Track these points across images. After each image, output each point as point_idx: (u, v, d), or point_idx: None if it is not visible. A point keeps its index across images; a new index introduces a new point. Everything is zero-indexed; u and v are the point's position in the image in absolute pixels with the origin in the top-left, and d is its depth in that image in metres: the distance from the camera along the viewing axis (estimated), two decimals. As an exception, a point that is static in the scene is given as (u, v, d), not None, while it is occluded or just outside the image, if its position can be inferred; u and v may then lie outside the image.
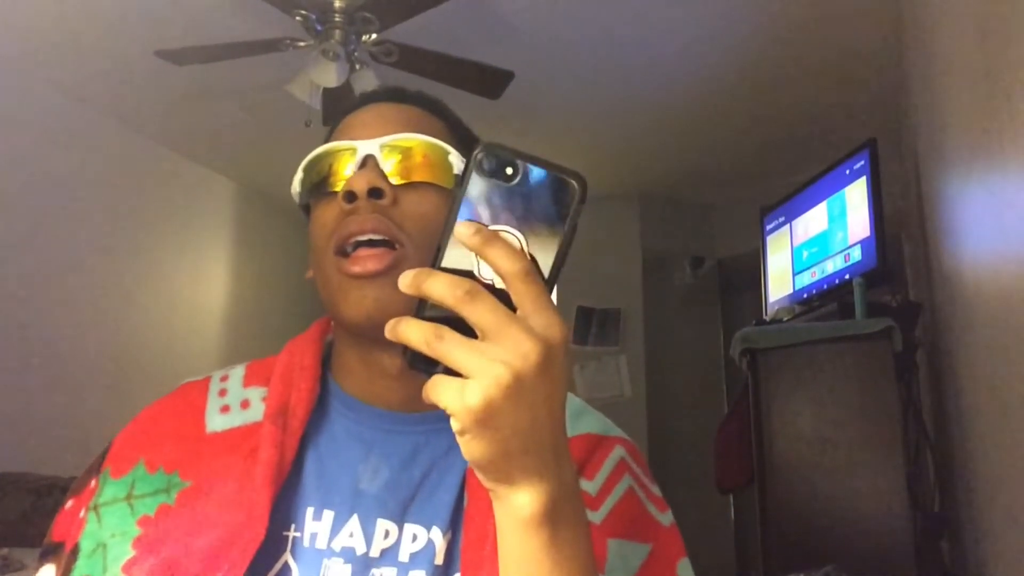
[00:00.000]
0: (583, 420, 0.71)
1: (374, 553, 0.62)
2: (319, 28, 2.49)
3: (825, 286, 2.17)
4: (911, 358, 1.83)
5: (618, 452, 0.69)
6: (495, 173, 0.44)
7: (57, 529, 0.67)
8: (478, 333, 0.41)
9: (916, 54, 1.99)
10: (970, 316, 1.31)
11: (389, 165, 0.66)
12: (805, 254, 2.36)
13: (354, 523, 0.63)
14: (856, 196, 2.10)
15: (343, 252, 0.64)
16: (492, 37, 2.85)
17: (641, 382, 4.23)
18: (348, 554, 0.62)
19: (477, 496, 0.62)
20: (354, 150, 0.67)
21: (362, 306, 0.63)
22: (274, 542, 0.61)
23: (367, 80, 2.59)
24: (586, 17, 2.74)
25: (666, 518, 0.68)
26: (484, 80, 2.69)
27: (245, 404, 0.69)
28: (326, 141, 0.71)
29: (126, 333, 3.65)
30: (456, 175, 0.68)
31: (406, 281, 0.42)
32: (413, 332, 0.42)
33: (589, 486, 0.65)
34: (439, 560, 0.62)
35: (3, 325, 3.03)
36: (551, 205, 0.44)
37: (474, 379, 0.40)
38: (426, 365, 0.43)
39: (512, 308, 0.42)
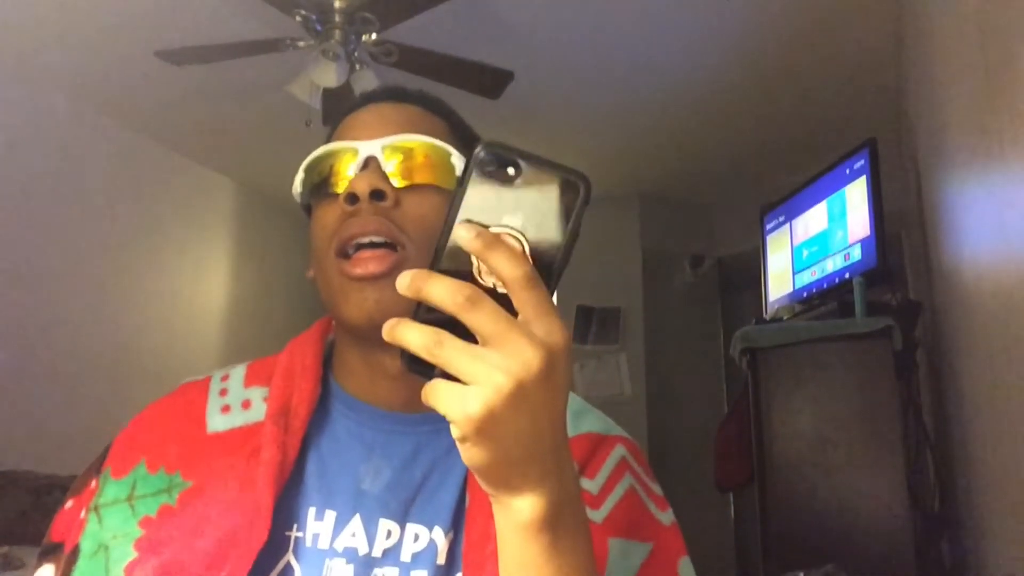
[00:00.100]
0: (584, 419, 0.71)
1: (376, 553, 0.62)
2: (319, 28, 2.49)
3: (825, 285, 2.17)
4: (911, 357, 1.83)
5: (619, 451, 0.69)
6: (496, 173, 0.43)
7: (56, 529, 0.67)
8: (479, 339, 0.41)
9: (916, 54, 1.99)
10: (970, 316, 1.31)
11: (391, 166, 0.66)
12: (805, 253, 2.36)
13: (356, 523, 0.63)
14: (856, 195, 2.10)
15: (344, 254, 0.64)
16: (492, 37, 2.85)
17: (641, 381, 4.23)
18: (350, 554, 0.62)
19: (479, 496, 0.62)
20: (355, 151, 0.67)
21: (363, 308, 0.63)
22: (276, 542, 0.61)
23: (367, 80, 2.59)
24: (586, 17, 2.74)
25: (667, 517, 0.68)
26: (484, 80, 2.69)
27: (246, 404, 0.69)
28: (327, 141, 0.71)
29: (126, 333, 3.65)
30: (458, 176, 0.68)
31: (404, 283, 0.41)
32: (412, 336, 0.41)
33: (590, 485, 0.65)
34: (441, 560, 0.62)
35: (3, 325, 3.03)
36: (554, 206, 0.43)
37: (475, 386, 0.40)
38: (424, 368, 0.42)
39: (513, 311, 0.41)
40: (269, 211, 4.61)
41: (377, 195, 0.64)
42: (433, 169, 0.67)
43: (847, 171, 2.16)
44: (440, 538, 0.63)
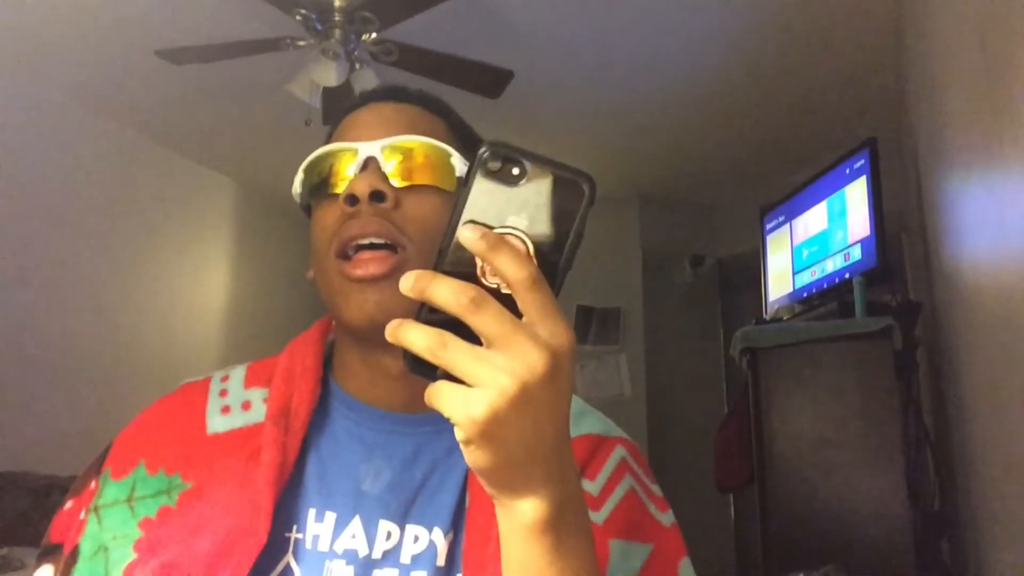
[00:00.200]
0: (585, 421, 0.71)
1: (376, 555, 0.62)
2: (319, 27, 2.49)
3: (825, 285, 2.17)
4: (911, 357, 1.83)
5: (619, 452, 0.69)
6: (500, 173, 0.42)
7: (56, 530, 0.67)
8: (483, 340, 0.40)
9: (916, 54, 1.99)
10: (970, 315, 1.31)
11: (390, 167, 0.66)
12: (805, 253, 2.36)
13: (356, 524, 0.63)
14: (856, 195, 2.10)
15: (344, 255, 0.64)
16: (492, 37, 2.85)
17: (641, 381, 4.23)
18: (350, 555, 0.62)
19: (479, 497, 0.61)
20: (355, 152, 0.66)
21: (363, 309, 0.63)
22: (276, 544, 0.61)
23: (367, 79, 2.59)
24: (586, 17, 2.74)
25: (667, 518, 0.68)
26: (484, 80, 2.69)
27: (246, 405, 0.68)
28: (327, 141, 0.71)
29: (126, 333, 3.65)
30: (458, 177, 0.67)
31: (408, 284, 0.41)
32: (416, 337, 0.41)
33: (591, 486, 0.65)
34: (441, 561, 0.62)
35: (3, 325, 3.03)
36: (558, 207, 0.43)
37: (479, 389, 0.40)
38: (427, 369, 0.42)
39: (517, 312, 0.41)
40: (269, 211, 4.61)
41: (377, 196, 0.64)
42: (433, 170, 0.67)
43: (847, 171, 2.16)
44: (440, 539, 0.63)
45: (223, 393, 0.70)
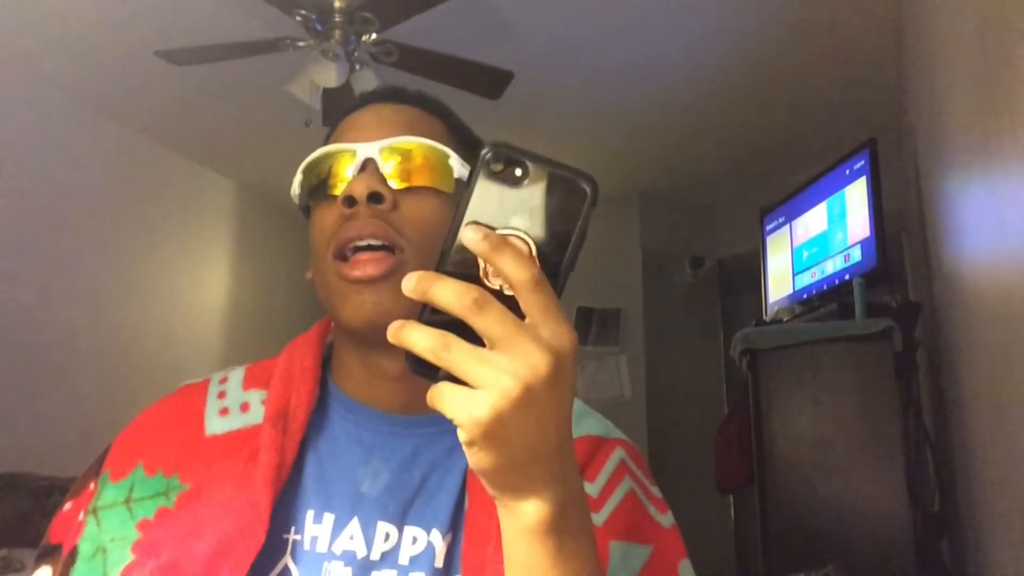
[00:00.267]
0: (584, 422, 0.71)
1: (374, 556, 0.62)
2: (319, 28, 2.49)
3: (825, 286, 2.17)
4: (911, 358, 1.83)
5: (619, 454, 0.69)
6: (503, 174, 0.42)
7: (54, 531, 0.67)
8: (486, 342, 0.40)
9: (916, 54, 1.99)
10: (970, 316, 1.31)
11: (389, 168, 0.66)
12: (805, 254, 2.36)
13: (354, 526, 0.63)
14: (856, 196, 2.10)
15: (342, 256, 0.64)
16: (492, 37, 2.85)
17: (641, 382, 4.23)
18: (348, 557, 0.62)
19: (478, 498, 0.61)
20: (353, 153, 0.66)
21: (361, 310, 0.63)
22: (274, 545, 0.61)
23: (367, 80, 2.59)
24: (586, 17, 2.74)
25: (667, 519, 0.68)
26: (484, 80, 2.69)
27: (245, 407, 0.69)
28: (326, 142, 0.71)
29: (126, 333, 3.65)
30: (456, 179, 0.67)
31: (410, 284, 0.41)
32: (418, 338, 0.41)
33: (590, 488, 0.65)
34: (439, 563, 0.62)
35: (3, 325, 3.03)
36: (561, 208, 0.42)
37: (482, 390, 0.40)
38: (429, 370, 0.42)
39: (519, 313, 0.41)
40: (269, 211, 4.61)
41: (375, 198, 0.64)
42: (431, 171, 0.67)
43: (847, 172, 2.16)
44: (438, 540, 0.63)
45: (221, 395, 0.70)
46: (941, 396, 1.92)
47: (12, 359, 3.05)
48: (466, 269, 0.42)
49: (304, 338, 0.73)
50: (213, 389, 0.71)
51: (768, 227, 2.63)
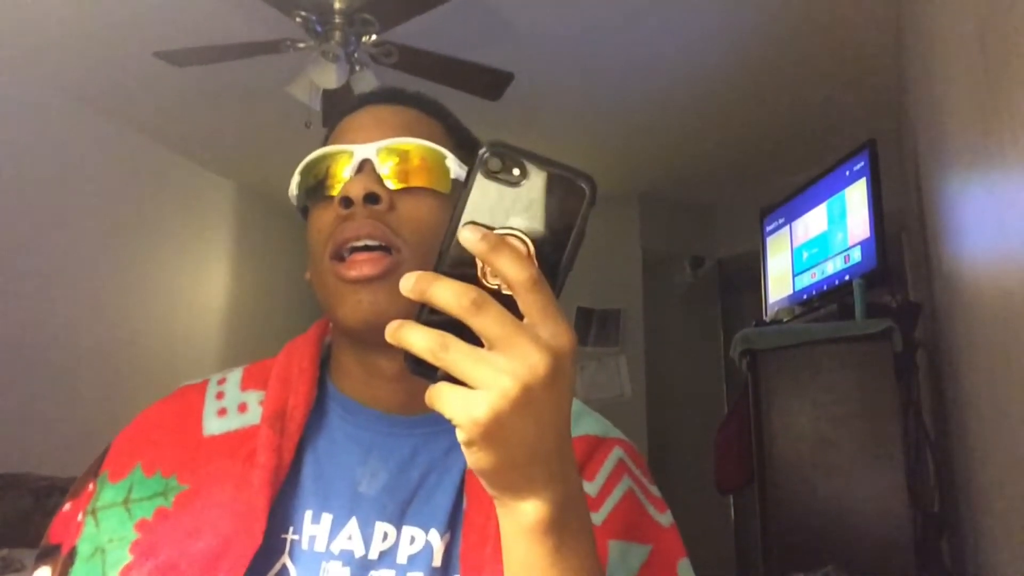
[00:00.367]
0: (582, 422, 0.71)
1: (372, 555, 0.62)
2: (319, 29, 2.49)
3: (825, 287, 2.17)
4: (911, 358, 1.83)
5: (617, 453, 0.69)
6: (501, 174, 0.42)
7: (54, 531, 0.67)
8: (485, 342, 0.40)
9: (916, 54, 1.99)
10: (970, 316, 1.31)
11: (386, 169, 0.66)
12: (805, 255, 2.36)
13: (352, 526, 0.63)
14: (856, 197, 2.10)
15: (339, 257, 0.64)
16: (492, 37, 2.85)
17: (641, 382, 4.23)
18: (346, 556, 0.62)
19: (477, 498, 0.61)
20: (351, 154, 0.67)
21: (358, 311, 0.63)
22: (272, 545, 0.61)
23: (367, 81, 2.59)
24: (586, 17, 2.74)
25: (666, 519, 0.68)
26: (484, 81, 2.69)
27: (242, 407, 0.69)
28: (324, 143, 0.71)
29: (126, 333, 3.65)
30: (453, 179, 0.67)
31: (408, 284, 0.41)
32: (417, 338, 0.40)
33: (589, 487, 0.65)
34: (437, 562, 0.62)
35: (3, 325, 3.03)
36: (559, 207, 0.42)
37: (481, 391, 0.40)
38: (427, 371, 0.42)
39: (518, 313, 0.41)
40: (269, 212, 4.61)
41: (371, 198, 0.64)
42: (428, 172, 0.67)
43: (847, 173, 2.16)
44: (436, 540, 0.63)
45: (220, 396, 0.70)
46: (941, 396, 1.92)
47: (12, 359, 3.05)
48: (464, 269, 0.42)
49: (302, 339, 0.73)
50: (211, 390, 0.71)
51: (768, 227, 2.63)
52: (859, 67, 3.02)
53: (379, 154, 0.66)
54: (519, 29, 2.82)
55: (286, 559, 0.62)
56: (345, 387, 0.70)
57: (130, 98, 3.39)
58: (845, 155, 2.18)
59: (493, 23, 2.77)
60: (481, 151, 0.42)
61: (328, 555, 0.62)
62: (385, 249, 0.64)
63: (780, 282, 2.50)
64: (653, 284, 4.41)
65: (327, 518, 0.63)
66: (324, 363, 0.74)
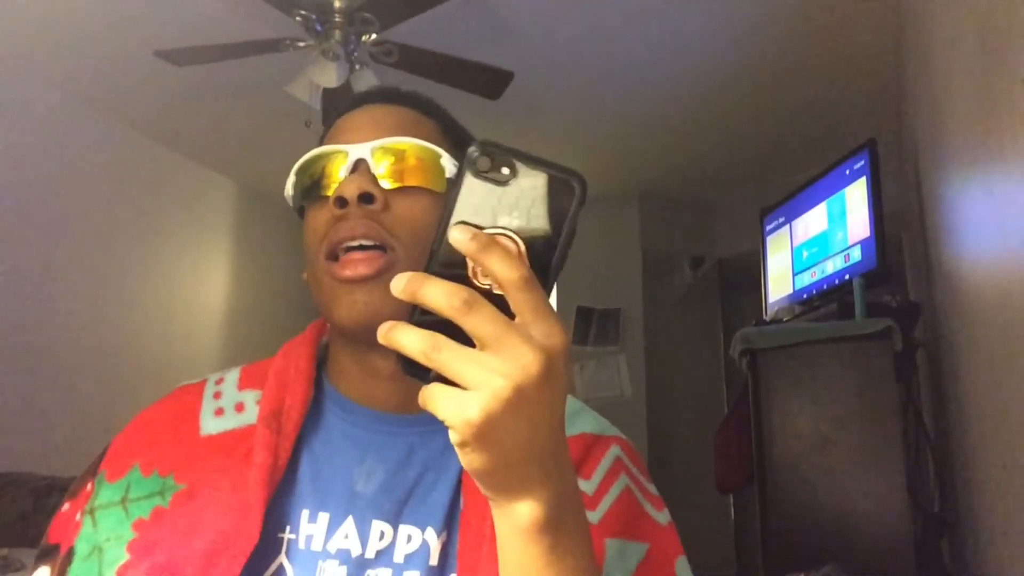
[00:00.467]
0: (579, 420, 0.71)
1: (369, 554, 0.62)
2: (319, 28, 2.49)
3: (825, 286, 2.17)
4: (911, 358, 1.83)
5: (614, 451, 0.69)
6: (490, 173, 0.42)
7: (53, 531, 0.67)
8: (476, 343, 0.40)
9: (916, 54, 1.99)
10: (970, 316, 1.31)
11: (381, 168, 0.66)
12: (805, 254, 2.36)
13: (349, 525, 0.63)
14: (856, 196, 2.10)
15: (334, 256, 0.64)
16: (492, 37, 2.85)
17: (641, 382, 4.23)
18: (343, 555, 0.62)
19: (474, 497, 0.62)
20: (345, 154, 0.67)
21: (353, 310, 0.63)
22: (269, 544, 0.61)
23: (367, 80, 2.59)
24: (586, 17, 2.74)
25: (663, 517, 0.68)
26: (484, 80, 2.69)
27: (239, 407, 0.69)
28: (320, 143, 0.71)
29: (126, 333, 3.65)
30: (449, 179, 0.67)
31: (399, 285, 0.41)
32: (409, 340, 0.40)
33: (586, 486, 0.65)
34: (434, 561, 0.62)
35: (3, 325, 3.03)
36: (549, 206, 0.42)
37: (473, 391, 0.40)
38: (420, 371, 0.41)
39: (509, 312, 0.41)
40: (269, 211, 4.61)
41: (365, 198, 0.64)
42: (423, 171, 0.67)
43: (847, 172, 2.16)
44: (433, 539, 0.63)
45: (217, 395, 0.71)
46: (941, 396, 1.92)
47: (12, 359, 3.05)
48: (455, 269, 0.42)
49: (299, 339, 0.74)
50: (209, 390, 0.71)
51: (768, 227, 2.63)
52: (859, 67, 3.02)
53: (374, 154, 0.66)
54: (519, 29, 2.82)
55: (283, 558, 0.62)
56: (342, 386, 0.70)
57: (130, 98, 3.39)
58: (845, 155, 2.18)
59: (493, 23, 2.77)
60: (470, 150, 0.42)
61: (325, 554, 0.62)
62: (380, 248, 0.64)
63: (780, 281, 2.50)
64: (653, 284, 4.41)
65: (324, 517, 0.63)
66: (322, 363, 0.74)
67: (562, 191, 0.42)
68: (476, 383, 0.39)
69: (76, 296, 3.39)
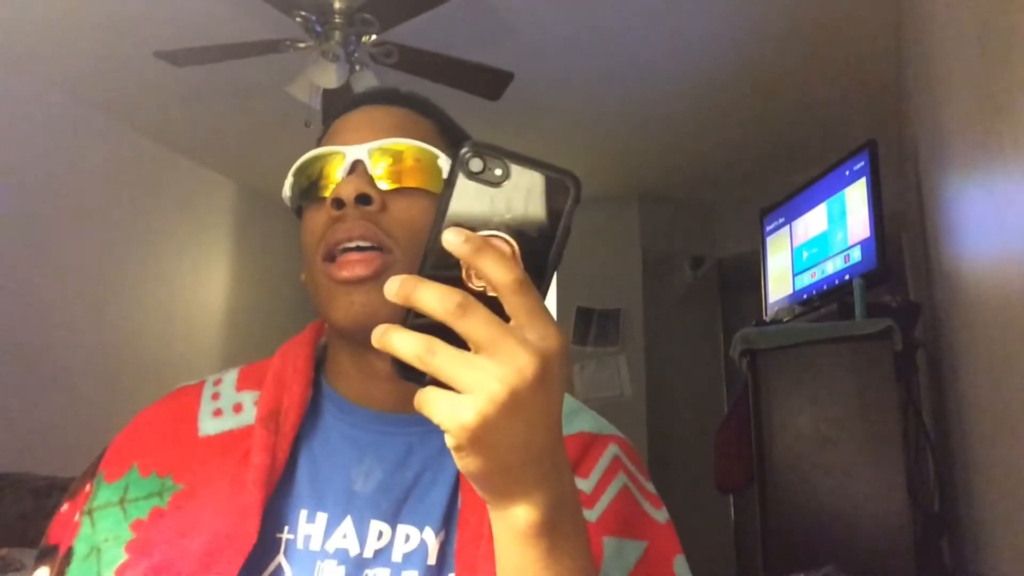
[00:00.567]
0: (577, 419, 0.71)
1: (367, 554, 0.62)
2: (319, 29, 2.49)
3: (825, 287, 2.17)
4: (911, 358, 1.83)
5: (612, 450, 0.69)
6: (483, 175, 0.41)
7: (53, 532, 0.67)
8: (471, 346, 0.40)
9: (916, 54, 1.99)
10: (970, 316, 1.31)
11: (379, 169, 0.66)
12: (805, 255, 2.36)
13: (347, 524, 0.63)
14: (856, 197, 2.10)
15: (331, 257, 0.64)
16: (492, 37, 2.85)
17: (641, 382, 4.23)
18: (342, 555, 0.62)
19: (471, 497, 0.62)
20: (343, 155, 0.67)
21: (350, 311, 0.63)
22: (267, 544, 0.61)
23: (367, 81, 2.59)
24: (586, 17, 2.74)
25: (661, 515, 0.68)
26: (484, 81, 2.69)
27: (238, 408, 0.69)
28: (318, 144, 0.71)
29: (126, 333, 3.65)
30: (445, 179, 0.68)
31: (393, 289, 0.40)
32: (403, 343, 0.40)
33: (584, 484, 0.65)
34: (432, 560, 0.62)
35: (3, 325, 3.03)
36: (543, 206, 0.42)
37: (468, 395, 0.39)
38: (416, 375, 0.41)
39: (505, 314, 0.41)
40: (269, 211, 4.61)
41: (363, 199, 0.64)
42: (421, 172, 0.67)
43: (847, 172, 2.16)
44: (431, 538, 0.63)
45: (215, 396, 0.71)
46: (941, 396, 1.92)
47: (12, 359, 3.05)
48: (449, 271, 0.42)
49: (297, 339, 0.74)
50: (207, 391, 0.72)
51: (768, 227, 2.63)
52: (859, 67, 3.02)
53: (371, 155, 0.66)
54: (519, 29, 2.82)
55: (281, 558, 0.62)
56: (340, 387, 0.70)
57: (130, 98, 3.39)
58: (845, 155, 2.18)
59: (493, 23, 2.77)
60: (462, 151, 0.42)
61: (323, 554, 0.62)
62: (377, 249, 0.64)
63: (780, 282, 2.50)
64: (653, 284, 4.41)
65: (322, 517, 0.63)
66: (320, 363, 0.74)
67: (556, 191, 0.42)
68: (471, 387, 0.39)
69: (76, 296, 3.39)
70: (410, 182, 0.66)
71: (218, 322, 4.27)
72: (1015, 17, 0.78)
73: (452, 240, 0.40)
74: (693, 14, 2.71)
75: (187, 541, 0.60)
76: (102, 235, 3.54)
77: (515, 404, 0.39)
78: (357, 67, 2.59)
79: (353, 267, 0.63)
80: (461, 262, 0.41)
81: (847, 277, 2.03)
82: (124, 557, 0.60)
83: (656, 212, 4.50)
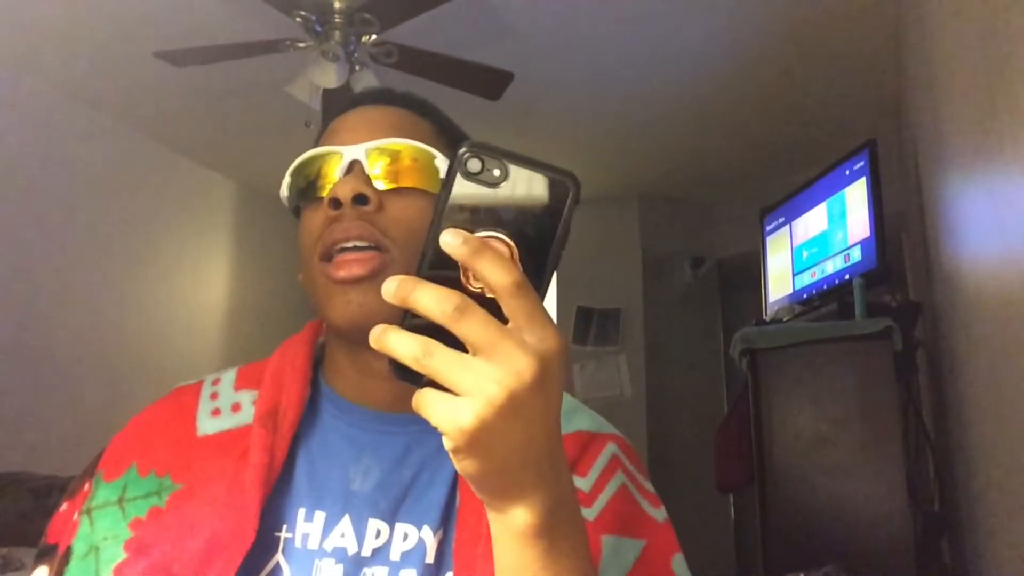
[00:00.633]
0: (576, 418, 0.71)
1: (365, 553, 0.62)
2: (319, 29, 2.49)
3: (825, 286, 2.17)
4: (911, 358, 1.83)
5: (610, 449, 0.69)
6: (481, 175, 0.41)
7: (52, 531, 0.67)
8: (469, 348, 0.40)
9: (916, 54, 1.99)
10: (970, 316, 1.31)
11: (376, 169, 0.66)
12: (805, 254, 2.36)
13: (346, 523, 0.63)
14: (856, 197, 2.10)
15: (328, 257, 0.64)
16: (492, 37, 2.85)
17: (641, 382, 4.23)
18: (340, 554, 0.62)
19: (469, 495, 0.62)
20: (340, 155, 0.67)
21: (347, 311, 0.63)
22: (265, 543, 0.61)
23: (367, 81, 2.59)
24: (586, 17, 2.74)
25: (660, 514, 0.68)
26: (484, 81, 2.69)
27: (236, 407, 0.69)
28: (315, 145, 0.71)
29: (126, 333, 3.65)
30: (442, 179, 0.68)
31: (390, 290, 0.40)
32: (400, 345, 0.40)
33: (582, 483, 0.65)
34: (430, 559, 0.62)
35: (3, 325, 3.03)
36: (542, 207, 0.41)
37: (466, 397, 0.39)
38: (413, 376, 0.41)
39: (502, 315, 0.40)
40: (269, 211, 4.61)
41: (360, 199, 0.64)
42: (418, 172, 0.67)
43: (847, 172, 2.16)
44: (429, 537, 0.63)
45: (214, 396, 0.71)
46: (941, 396, 1.92)
47: (12, 358, 3.05)
48: (447, 272, 0.41)
49: (296, 338, 0.74)
50: (206, 390, 0.72)
51: (768, 227, 2.63)
52: (859, 67, 3.02)
53: (368, 155, 0.66)
54: (519, 29, 2.82)
55: (279, 557, 0.62)
56: (338, 386, 0.71)
57: (130, 98, 3.39)
58: (845, 155, 2.18)
59: (493, 23, 2.77)
60: (460, 152, 0.41)
61: (321, 553, 0.62)
62: (375, 249, 0.64)
63: (780, 281, 2.50)
64: (653, 284, 4.41)
65: (320, 516, 0.64)
66: (318, 363, 0.74)
67: (555, 191, 0.41)
68: (469, 389, 0.39)
69: (76, 296, 3.39)
70: (407, 182, 0.66)
71: (218, 322, 4.27)
72: (1015, 17, 0.78)
73: (450, 242, 0.40)
74: (693, 14, 2.71)
75: (186, 540, 0.60)
76: (102, 234, 3.54)
77: (513, 407, 0.39)
78: (357, 67, 2.59)
79: (350, 267, 0.63)
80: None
81: (847, 277, 2.03)
82: (123, 556, 0.60)
83: (656, 212, 4.50)
